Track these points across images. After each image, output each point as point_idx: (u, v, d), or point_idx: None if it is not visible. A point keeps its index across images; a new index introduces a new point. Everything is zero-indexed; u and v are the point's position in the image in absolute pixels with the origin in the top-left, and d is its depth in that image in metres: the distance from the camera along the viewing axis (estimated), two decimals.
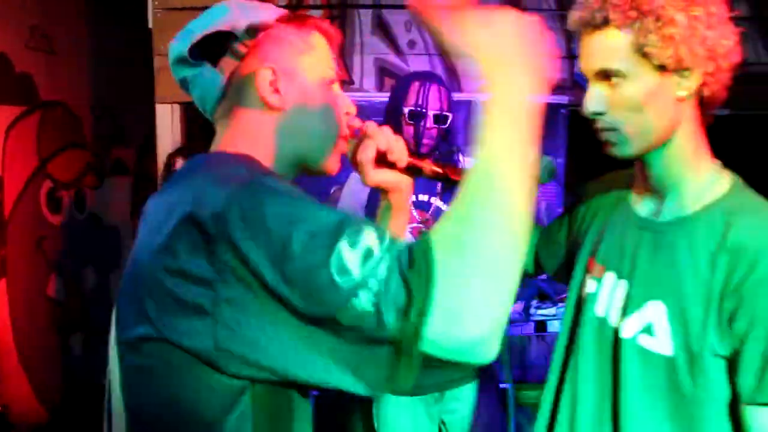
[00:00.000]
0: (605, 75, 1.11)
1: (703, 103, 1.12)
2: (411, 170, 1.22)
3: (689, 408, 1.11)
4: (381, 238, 0.81)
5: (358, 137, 1.18)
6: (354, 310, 0.77)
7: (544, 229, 1.57)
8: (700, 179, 1.16)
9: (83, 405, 4.32)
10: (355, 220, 0.83)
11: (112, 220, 4.77)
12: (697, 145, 1.16)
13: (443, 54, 1.20)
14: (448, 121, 2.33)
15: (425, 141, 2.26)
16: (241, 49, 1.03)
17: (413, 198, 2.27)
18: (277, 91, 1.04)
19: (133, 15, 3.93)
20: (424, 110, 2.25)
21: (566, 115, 3.98)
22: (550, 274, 1.57)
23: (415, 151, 2.21)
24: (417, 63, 3.83)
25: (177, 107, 3.78)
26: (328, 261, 0.78)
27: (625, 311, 1.19)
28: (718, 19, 1.05)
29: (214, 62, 1.04)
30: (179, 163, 3.28)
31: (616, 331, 1.21)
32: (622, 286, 1.21)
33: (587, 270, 1.30)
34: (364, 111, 3.86)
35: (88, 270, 4.64)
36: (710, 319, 1.07)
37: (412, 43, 3.89)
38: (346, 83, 3.93)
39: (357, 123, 1.17)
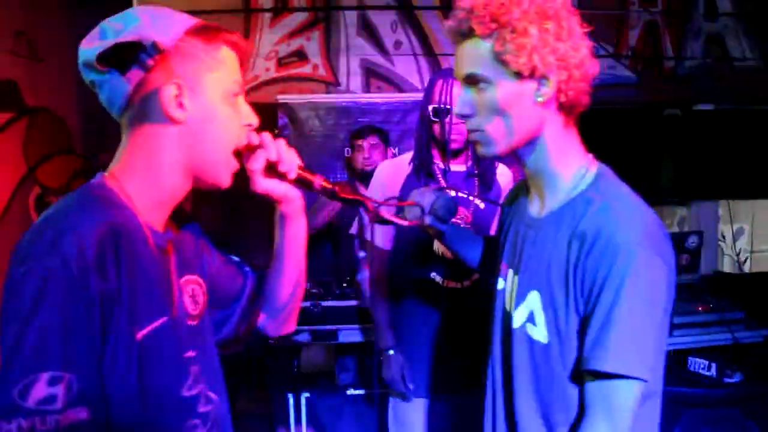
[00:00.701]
0: (472, 80, 1.20)
1: (564, 108, 1.19)
2: (301, 183, 1.26)
3: (567, 391, 1.19)
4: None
5: (252, 147, 1.23)
6: None
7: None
8: (569, 174, 1.24)
9: None
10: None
11: None
12: (564, 144, 1.24)
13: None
14: None
15: (453, 137, 2.24)
16: (149, 62, 1.04)
17: (455, 194, 2.28)
18: (180, 105, 1.06)
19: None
20: (447, 106, 2.22)
21: None
22: None
23: (444, 149, 2.26)
24: (403, 63, 3.85)
25: None
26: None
27: (515, 303, 1.30)
28: (569, 33, 1.14)
29: (123, 70, 1.05)
30: None
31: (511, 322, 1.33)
32: (515, 280, 1.33)
33: (499, 270, 1.42)
34: (351, 112, 3.90)
35: None
36: (569, 302, 1.17)
37: (398, 44, 3.90)
38: (333, 85, 3.94)
39: (254, 137, 1.19)
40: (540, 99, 1.17)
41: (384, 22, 3.93)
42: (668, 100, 4.17)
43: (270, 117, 3.85)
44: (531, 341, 1.24)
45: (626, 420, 1.11)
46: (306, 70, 3.91)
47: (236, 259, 1.41)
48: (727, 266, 6.39)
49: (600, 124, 4.70)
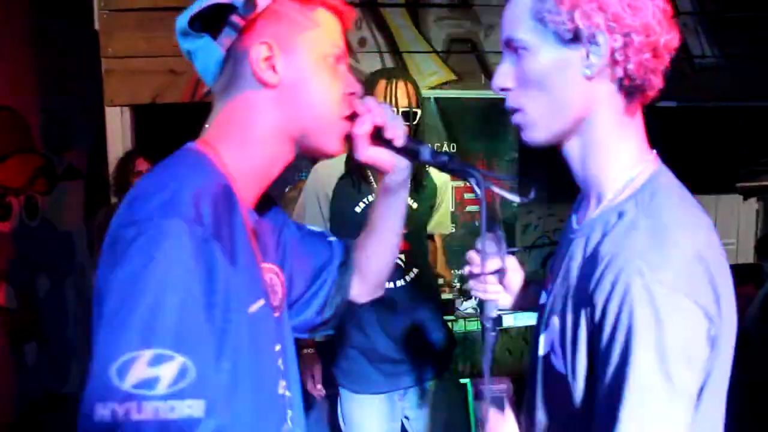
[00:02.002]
0: (511, 46, 1.00)
1: (624, 87, 0.96)
2: (407, 152, 1.14)
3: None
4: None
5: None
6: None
7: None
8: (618, 176, 1.01)
9: (39, 415, 4.25)
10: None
11: (65, 226, 4.69)
12: (619, 135, 1.00)
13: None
14: (418, 117, 2.28)
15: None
16: (240, 22, 0.98)
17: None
18: (272, 68, 1.00)
19: (79, 16, 3.86)
20: (394, 108, 2.09)
21: None
22: None
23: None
24: (368, 61, 3.83)
25: (126, 110, 3.74)
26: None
27: (543, 326, 1.09)
28: None
29: (216, 35, 1.00)
30: (140, 163, 3.24)
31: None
32: (548, 299, 1.12)
33: (545, 280, 1.19)
34: None
35: (42, 277, 4.56)
36: (579, 337, 0.95)
37: (362, 41, 3.89)
38: None
39: (360, 104, 1.11)
40: (587, 71, 0.94)
41: None
42: None
43: None
44: (551, 371, 1.03)
45: None
46: None
47: (318, 230, 1.36)
48: None
49: None
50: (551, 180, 6.38)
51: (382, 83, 2.26)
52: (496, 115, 3.98)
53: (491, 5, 4.00)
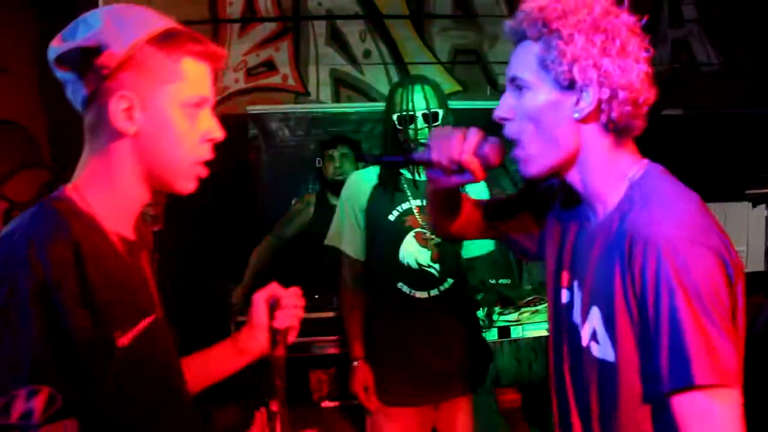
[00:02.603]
0: (515, 83, 1.17)
1: (611, 130, 1.13)
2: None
3: (637, 416, 1.09)
4: None
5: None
6: None
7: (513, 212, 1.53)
8: (617, 189, 1.17)
9: None
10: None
11: None
12: (610, 167, 1.17)
13: None
14: (440, 118, 2.27)
15: (422, 142, 2.24)
16: (103, 70, 1.02)
17: (420, 203, 2.27)
18: (130, 118, 1.04)
19: None
20: (411, 113, 2.22)
21: None
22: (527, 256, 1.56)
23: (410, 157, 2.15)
24: (372, 73, 3.85)
25: None
26: None
27: (581, 319, 1.21)
28: (620, 51, 1.08)
29: (81, 74, 1.04)
30: None
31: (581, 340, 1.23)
32: (580, 294, 1.23)
33: (560, 282, 1.32)
34: (321, 122, 3.88)
35: None
36: (625, 316, 1.09)
37: (367, 53, 3.90)
38: (302, 95, 3.93)
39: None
40: (576, 114, 1.11)
41: (353, 31, 3.93)
42: None
43: (240, 128, 3.82)
44: (597, 360, 1.16)
45: None
46: (275, 80, 3.90)
47: None
48: None
49: None
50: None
51: (399, 91, 2.29)
52: (500, 126, 3.97)
53: (495, 16, 4.01)
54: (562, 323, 1.29)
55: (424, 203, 2.30)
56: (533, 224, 1.46)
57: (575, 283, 1.25)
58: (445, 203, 1.47)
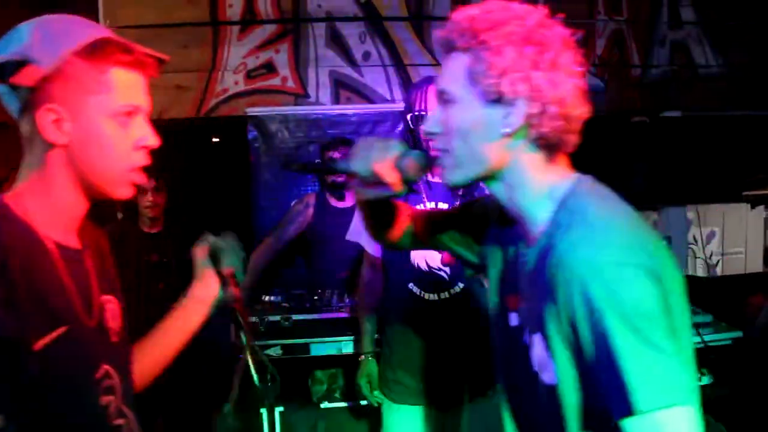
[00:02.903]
0: (443, 96, 1.13)
1: (541, 146, 1.09)
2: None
3: None
4: None
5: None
6: None
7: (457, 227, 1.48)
8: (545, 204, 1.13)
9: None
10: None
11: None
12: (541, 178, 1.12)
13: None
14: None
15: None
16: (30, 83, 1.05)
17: (434, 205, 2.29)
18: (60, 129, 1.07)
19: None
20: (424, 112, 2.23)
21: None
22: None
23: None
24: (372, 75, 3.86)
25: None
26: None
27: (530, 344, 1.17)
28: (551, 65, 1.04)
29: (11, 86, 1.06)
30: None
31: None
32: (526, 318, 1.20)
33: (507, 304, 1.28)
34: (320, 123, 3.89)
35: None
36: (561, 343, 1.05)
37: (366, 55, 3.91)
38: (302, 97, 3.94)
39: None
40: (505, 129, 1.07)
41: (352, 33, 3.94)
42: (635, 107, 4.22)
43: (239, 130, 3.83)
44: (544, 385, 1.12)
45: None
46: (275, 82, 3.90)
47: None
48: (699, 270, 6.48)
49: None
50: None
51: (415, 93, 2.31)
52: None
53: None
54: (514, 346, 1.23)
55: (438, 204, 2.32)
56: (474, 239, 1.42)
57: (522, 307, 1.21)
58: (373, 213, 1.44)
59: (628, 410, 0.93)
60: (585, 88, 1.08)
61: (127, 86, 1.11)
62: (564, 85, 1.05)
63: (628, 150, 4.39)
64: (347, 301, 3.05)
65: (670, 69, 4.22)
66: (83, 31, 1.08)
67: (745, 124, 4.46)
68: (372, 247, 2.42)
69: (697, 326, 2.76)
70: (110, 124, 1.10)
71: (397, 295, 2.35)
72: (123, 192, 1.16)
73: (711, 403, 2.61)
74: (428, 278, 2.29)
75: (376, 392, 2.47)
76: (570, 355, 1.03)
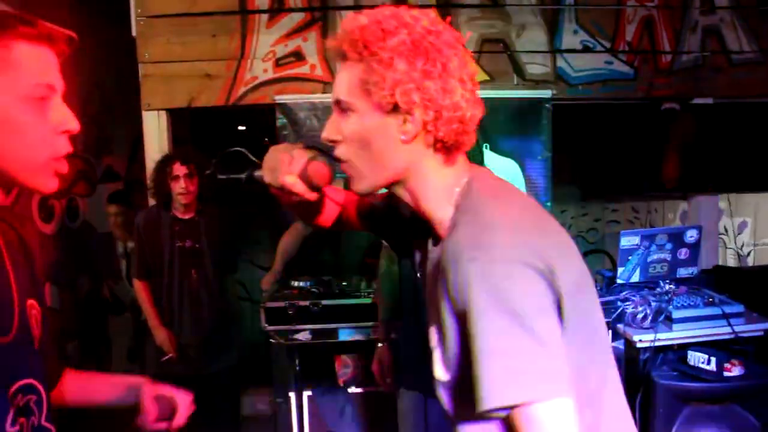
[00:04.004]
0: (339, 106, 1.14)
1: (440, 149, 1.12)
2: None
3: None
4: None
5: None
6: None
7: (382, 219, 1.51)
8: (446, 205, 1.16)
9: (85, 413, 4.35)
10: None
11: (104, 228, 4.79)
12: (442, 179, 1.15)
13: None
14: None
15: None
16: None
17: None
18: None
19: (116, 23, 3.95)
20: None
21: (550, 109, 3.98)
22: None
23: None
24: None
25: (163, 113, 3.82)
26: None
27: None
28: (443, 72, 1.06)
29: None
30: (177, 168, 3.27)
31: None
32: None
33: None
34: None
35: (83, 278, 4.66)
36: (451, 337, 1.07)
37: None
38: (330, 84, 3.95)
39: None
40: (403, 137, 1.10)
41: None
42: (666, 94, 4.16)
43: (268, 117, 3.86)
44: (440, 382, 1.15)
45: None
46: (304, 70, 3.91)
47: None
48: (730, 260, 6.39)
49: (599, 119, 4.71)
50: (584, 179, 6.29)
51: None
52: (528, 115, 3.96)
53: (523, 5, 3.99)
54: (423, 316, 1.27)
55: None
56: (404, 230, 1.42)
57: (428, 300, 1.23)
58: (299, 211, 1.45)
59: (489, 403, 0.95)
60: (476, 88, 1.11)
61: (35, 63, 0.99)
62: (456, 91, 1.07)
63: (659, 137, 4.34)
64: (375, 286, 3.08)
65: (702, 55, 4.14)
66: None
67: None
68: None
69: (727, 316, 2.74)
70: (22, 108, 0.98)
71: (405, 284, 2.37)
72: (47, 184, 1.04)
73: (742, 395, 2.59)
74: None
75: (388, 379, 2.50)
76: (459, 353, 1.06)
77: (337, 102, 1.14)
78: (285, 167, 1.23)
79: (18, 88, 0.97)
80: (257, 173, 1.28)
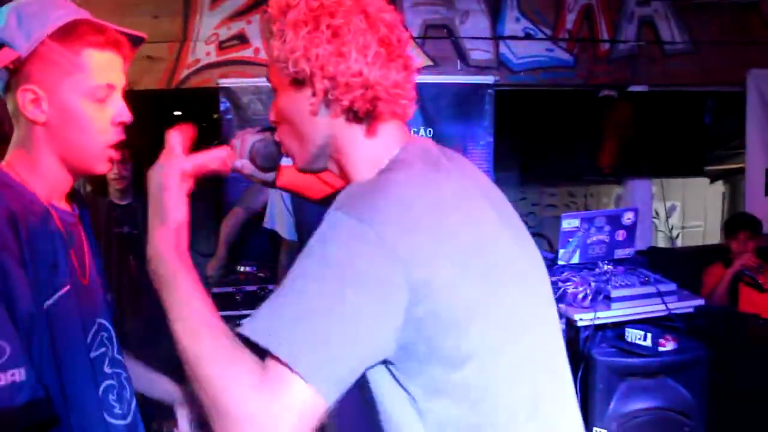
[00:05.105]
0: (271, 87, 1.16)
1: (356, 118, 1.08)
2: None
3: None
4: None
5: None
6: None
7: None
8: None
9: None
10: None
11: None
12: (369, 149, 1.11)
13: None
14: None
15: None
16: (9, 65, 1.10)
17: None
18: (38, 108, 1.13)
19: None
20: None
21: (492, 95, 4.05)
22: None
23: None
24: None
25: None
26: None
27: None
28: (332, 37, 1.03)
29: None
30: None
31: None
32: None
33: None
34: None
35: None
36: None
37: None
38: None
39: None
40: (310, 108, 1.08)
41: None
42: (604, 81, 4.30)
43: (211, 101, 3.80)
44: None
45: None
46: (247, 53, 3.87)
47: None
48: (660, 242, 6.67)
49: (539, 105, 4.82)
50: (523, 164, 6.42)
51: None
52: (471, 101, 4.02)
53: None
54: None
55: None
56: None
57: None
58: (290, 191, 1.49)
59: (248, 332, 0.89)
60: (398, 52, 1.06)
61: (101, 66, 1.16)
62: (350, 55, 1.03)
63: (596, 123, 4.47)
64: None
65: (637, 45, 4.29)
66: (57, 13, 1.12)
67: (708, 100, 4.58)
68: (288, 233, 2.45)
69: (661, 294, 2.86)
70: (86, 103, 1.15)
71: None
72: (101, 167, 1.21)
73: (675, 369, 2.72)
74: None
75: None
76: None
77: (269, 81, 1.16)
78: (232, 153, 1.25)
79: (83, 88, 1.14)
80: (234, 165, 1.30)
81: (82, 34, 1.13)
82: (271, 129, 1.25)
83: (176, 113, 5.37)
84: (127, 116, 1.20)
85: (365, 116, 1.08)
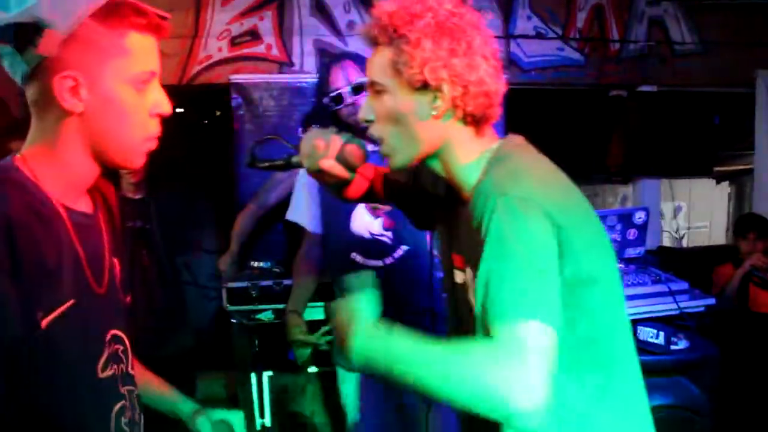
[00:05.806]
0: (373, 87, 1.24)
1: (470, 123, 1.22)
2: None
3: None
4: None
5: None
6: None
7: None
8: (475, 172, 1.26)
9: None
10: None
11: None
12: (473, 154, 1.25)
13: None
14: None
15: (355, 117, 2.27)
16: (45, 47, 0.98)
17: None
18: (76, 96, 1.01)
19: None
20: (340, 87, 2.30)
21: (504, 95, 4.02)
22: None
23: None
24: (356, 44, 3.84)
25: None
26: None
27: (477, 299, 1.24)
28: (467, 50, 1.16)
29: (19, 49, 1.00)
30: None
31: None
32: (472, 275, 1.29)
33: (453, 264, 1.40)
34: (305, 92, 3.87)
35: None
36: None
37: (351, 24, 3.90)
38: (286, 65, 3.92)
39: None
40: (434, 112, 1.19)
41: (337, 2, 3.91)
42: (614, 81, 4.30)
43: (223, 97, 3.80)
44: (469, 306, 1.25)
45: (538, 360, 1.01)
46: (259, 49, 3.87)
47: None
48: (666, 242, 6.67)
49: (548, 104, 4.83)
50: None
51: (334, 70, 2.35)
52: None
53: None
54: (459, 301, 1.37)
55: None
56: (425, 202, 1.51)
57: (468, 267, 1.30)
58: (333, 189, 1.50)
59: (493, 319, 1.04)
60: (499, 65, 1.21)
61: (143, 51, 1.06)
62: (480, 67, 1.17)
63: (605, 123, 4.48)
64: None
65: (647, 45, 4.30)
66: None
67: (717, 101, 4.59)
68: (313, 226, 2.44)
69: (673, 293, 2.87)
70: (128, 90, 1.05)
71: (340, 267, 2.35)
72: (137, 161, 1.12)
73: (688, 367, 2.72)
74: (371, 245, 2.32)
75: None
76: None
77: (372, 84, 1.24)
78: (322, 152, 1.33)
79: (127, 75, 1.04)
80: (295, 159, 1.37)
81: (125, 15, 1.02)
82: (349, 131, 1.38)
83: (185, 110, 5.37)
84: (167, 107, 1.10)
85: (479, 120, 1.22)
